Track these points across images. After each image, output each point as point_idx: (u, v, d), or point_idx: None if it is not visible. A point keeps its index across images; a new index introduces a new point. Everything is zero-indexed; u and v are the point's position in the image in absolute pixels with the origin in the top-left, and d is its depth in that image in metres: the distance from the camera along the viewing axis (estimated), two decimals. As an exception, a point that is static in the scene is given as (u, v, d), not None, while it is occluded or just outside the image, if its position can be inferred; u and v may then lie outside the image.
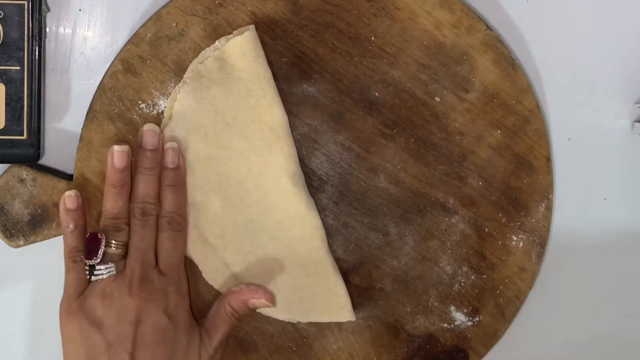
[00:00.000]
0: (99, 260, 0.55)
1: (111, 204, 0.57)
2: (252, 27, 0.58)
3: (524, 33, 0.62)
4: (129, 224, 0.57)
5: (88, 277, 0.56)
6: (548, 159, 0.61)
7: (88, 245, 0.56)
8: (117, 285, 0.55)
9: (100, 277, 0.55)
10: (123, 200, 0.57)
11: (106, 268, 0.55)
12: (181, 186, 0.58)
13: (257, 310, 0.60)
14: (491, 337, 0.62)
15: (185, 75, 0.58)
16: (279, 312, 0.60)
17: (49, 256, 0.60)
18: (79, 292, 0.56)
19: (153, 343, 0.55)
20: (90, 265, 0.56)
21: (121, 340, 0.54)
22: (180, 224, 0.58)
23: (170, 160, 0.58)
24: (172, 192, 0.58)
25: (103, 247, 0.55)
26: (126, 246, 0.57)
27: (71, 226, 0.58)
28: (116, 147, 0.57)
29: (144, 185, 0.57)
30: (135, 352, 0.54)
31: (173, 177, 0.58)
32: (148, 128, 0.58)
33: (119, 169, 0.57)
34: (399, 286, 0.61)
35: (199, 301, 0.60)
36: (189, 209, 0.59)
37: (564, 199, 0.63)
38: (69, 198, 0.58)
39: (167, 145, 0.58)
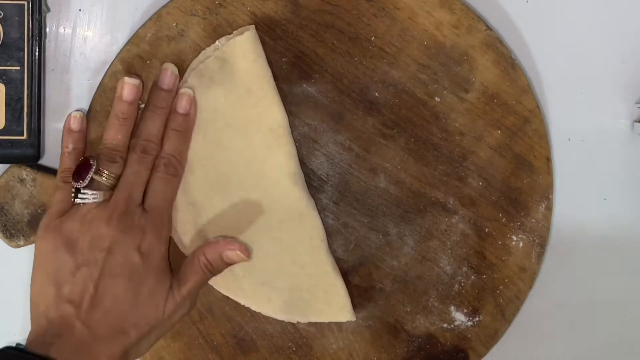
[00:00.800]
0: (85, 184, 0.55)
1: (111, 135, 0.56)
2: (252, 27, 0.58)
3: (524, 33, 0.62)
4: (124, 159, 0.56)
5: (73, 199, 0.55)
6: (548, 159, 0.61)
7: (78, 167, 0.55)
8: (98, 213, 0.55)
9: (84, 201, 0.55)
10: (123, 134, 0.57)
11: (92, 194, 0.55)
12: (186, 133, 0.58)
13: (257, 310, 0.60)
14: (491, 337, 0.62)
15: (185, 75, 0.58)
16: (279, 312, 0.60)
17: (49, 256, 0.60)
18: (62, 212, 0.56)
19: (119, 275, 0.54)
20: (76, 188, 0.55)
21: (89, 265, 0.54)
22: (176, 168, 0.57)
23: (181, 105, 0.57)
24: (176, 137, 0.57)
25: (92, 173, 0.55)
26: (117, 179, 0.56)
27: (70, 147, 0.58)
28: (127, 79, 0.57)
29: (151, 123, 0.57)
30: (100, 280, 0.54)
31: (181, 122, 0.57)
32: (167, 67, 0.58)
33: (126, 101, 0.57)
34: (399, 286, 0.61)
35: (199, 301, 0.60)
36: (189, 208, 0.59)
37: (564, 199, 0.63)
38: (74, 119, 0.58)
39: (182, 90, 0.58)
